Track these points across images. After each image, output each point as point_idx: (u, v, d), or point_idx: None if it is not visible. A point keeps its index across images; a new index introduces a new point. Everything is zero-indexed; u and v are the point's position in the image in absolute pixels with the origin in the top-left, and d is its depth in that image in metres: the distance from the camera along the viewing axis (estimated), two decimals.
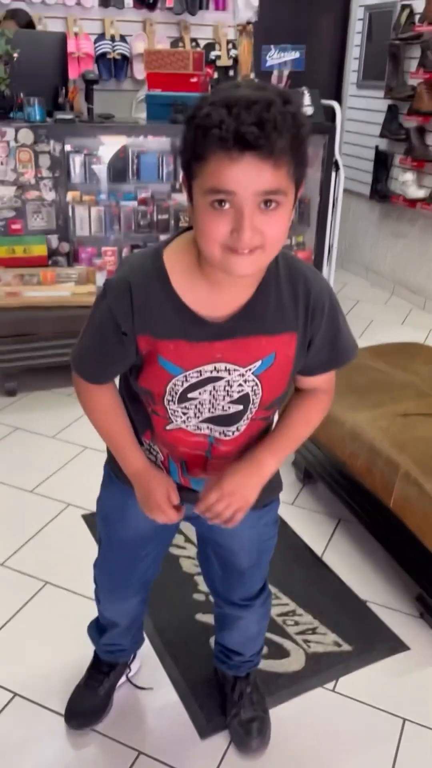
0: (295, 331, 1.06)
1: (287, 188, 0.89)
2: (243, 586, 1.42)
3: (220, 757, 1.53)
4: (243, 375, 1.06)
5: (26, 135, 3.09)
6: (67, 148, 3.24)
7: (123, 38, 4.38)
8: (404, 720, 1.63)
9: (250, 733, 1.54)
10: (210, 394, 1.07)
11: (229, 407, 1.10)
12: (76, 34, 4.22)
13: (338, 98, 5.13)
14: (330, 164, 3.69)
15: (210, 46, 4.62)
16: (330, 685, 1.71)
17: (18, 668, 1.73)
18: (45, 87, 3.26)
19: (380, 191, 4.68)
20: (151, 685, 1.68)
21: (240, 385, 1.07)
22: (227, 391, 1.07)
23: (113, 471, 1.31)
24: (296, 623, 1.89)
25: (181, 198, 3.65)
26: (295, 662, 1.77)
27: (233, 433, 1.14)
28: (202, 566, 1.48)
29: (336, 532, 2.28)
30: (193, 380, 1.06)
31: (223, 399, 1.08)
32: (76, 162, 3.34)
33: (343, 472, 2.14)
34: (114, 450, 1.22)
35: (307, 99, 3.61)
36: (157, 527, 1.31)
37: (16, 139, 3.08)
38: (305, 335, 1.07)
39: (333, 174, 3.71)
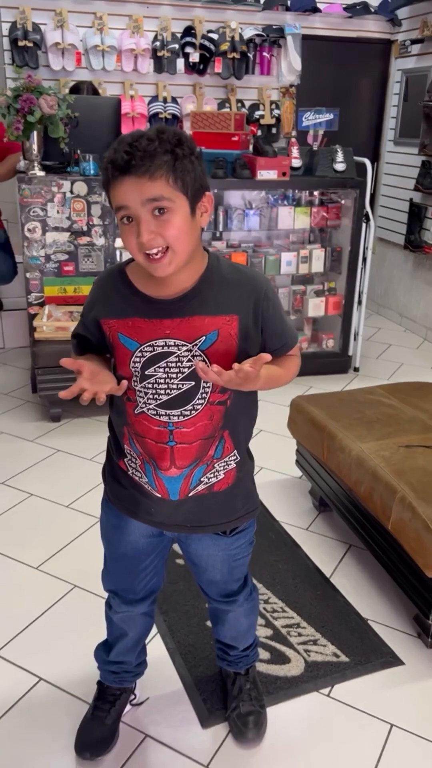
0: (237, 314, 1.27)
1: (171, 195, 1.14)
2: (220, 590, 1.59)
3: (219, 745, 1.69)
4: (191, 350, 1.26)
5: (81, 187, 3.44)
6: None
7: (174, 99, 4.78)
8: (392, 725, 1.75)
9: (247, 725, 1.69)
10: (164, 371, 1.28)
11: (182, 385, 1.28)
12: (131, 97, 4.64)
13: (376, 155, 5.41)
14: (361, 216, 3.92)
15: (254, 107, 4.99)
16: (325, 691, 1.85)
17: (44, 657, 1.93)
18: (100, 145, 3.60)
19: (414, 241, 4.88)
20: (160, 678, 1.86)
21: (189, 360, 1.26)
22: (179, 367, 1.27)
23: (107, 495, 1.52)
24: (299, 635, 2.04)
25: (220, 245, 3.94)
26: (294, 668, 1.92)
27: (190, 413, 1.30)
28: (189, 567, 1.63)
29: (345, 557, 2.43)
30: (148, 354, 1.27)
31: (176, 376, 1.28)
32: None
33: (350, 499, 2.30)
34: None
35: (340, 156, 3.88)
36: (151, 542, 1.50)
37: (71, 191, 3.43)
38: (249, 318, 1.28)
39: (363, 225, 3.94)
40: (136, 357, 1.29)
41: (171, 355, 1.27)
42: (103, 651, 1.69)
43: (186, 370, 1.28)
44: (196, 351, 1.27)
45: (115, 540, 1.52)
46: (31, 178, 3.38)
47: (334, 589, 2.25)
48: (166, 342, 1.27)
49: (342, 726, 1.75)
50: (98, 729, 1.67)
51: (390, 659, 1.97)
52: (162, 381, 1.29)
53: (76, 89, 4.14)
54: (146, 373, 1.29)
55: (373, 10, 4.91)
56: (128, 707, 1.76)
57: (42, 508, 2.69)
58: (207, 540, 1.49)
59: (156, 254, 1.17)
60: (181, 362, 1.28)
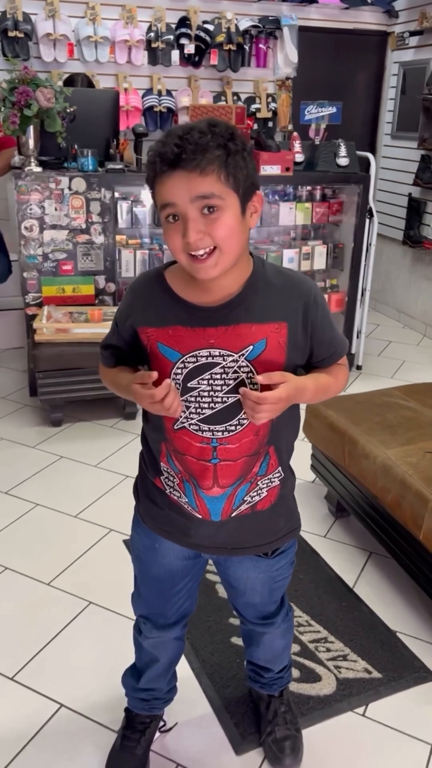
0: (285, 321, 1.18)
1: (222, 192, 1.06)
2: (258, 612, 1.50)
3: None
4: (237, 361, 1.17)
5: (79, 183, 3.32)
6: (116, 195, 3.46)
7: (169, 92, 4.66)
8: None
9: (284, 751, 1.61)
10: (208, 383, 1.18)
11: (227, 398, 1.19)
12: (125, 90, 4.51)
13: (373, 148, 5.34)
14: (364, 212, 3.84)
15: (250, 100, 4.88)
16: (360, 710, 1.78)
17: (64, 681, 1.83)
18: (98, 139, 3.49)
19: (412, 237, 4.82)
20: (187, 701, 1.77)
21: (235, 371, 1.17)
22: (224, 379, 1.18)
23: (139, 514, 1.41)
24: (327, 650, 1.96)
25: None
26: (326, 686, 1.84)
27: (236, 429, 1.21)
28: (225, 588, 1.55)
29: (367, 564, 2.36)
30: (191, 365, 1.18)
31: (221, 389, 1.18)
32: (124, 208, 3.55)
33: (374, 506, 2.23)
34: (119, 387, 1.29)
35: (342, 150, 3.80)
36: (186, 564, 1.41)
37: (69, 187, 3.31)
38: (298, 325, 1.19)
39: (367, 221, 3.86)
40: (177, 368, 1.19)
41: (216, 366, 1.18)
42: (132, 677, 1.60)
43: (231, 382, 1.19)
44: (242, 362, 1.18)
45: (147, 562, 1.43)
46: (28, 174, 3.25)
47: (358, 600, 2.18)
48: (210, 352, 1.17)
49: (381, 748, 1.68)
50: (128, 759, 1.58)
51: (423, 674, 1.90)
52: (206, 394, 1.20)
53: (70, 81, 4.00)
54: (188, 385, 1.20)
55: (369, 1, 4.82)
56: (156, 734, 1.67)
57: (49, 519, 2.58)
58: (247, 562, 1.40)
59: (201, 255, 1.08)
60: (227, 374, 1.18)
